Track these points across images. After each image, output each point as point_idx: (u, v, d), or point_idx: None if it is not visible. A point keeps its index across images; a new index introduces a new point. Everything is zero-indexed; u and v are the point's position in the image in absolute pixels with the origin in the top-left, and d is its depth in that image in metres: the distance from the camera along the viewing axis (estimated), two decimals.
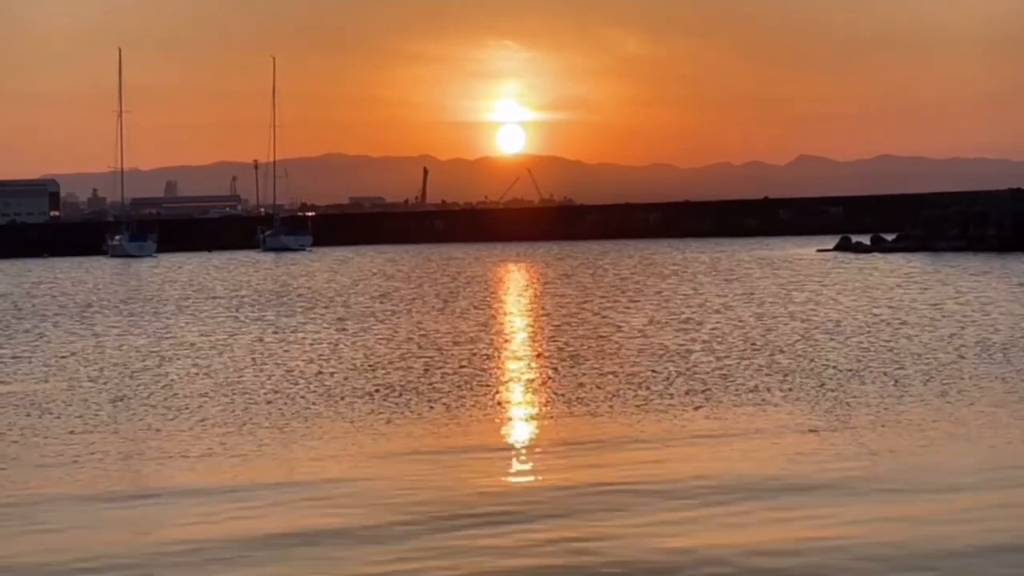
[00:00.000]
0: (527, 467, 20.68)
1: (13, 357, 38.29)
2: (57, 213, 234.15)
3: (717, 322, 42.17)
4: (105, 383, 31.02)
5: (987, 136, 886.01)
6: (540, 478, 19.60)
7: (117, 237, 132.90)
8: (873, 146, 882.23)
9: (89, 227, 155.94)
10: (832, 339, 35.85)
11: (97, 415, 26.02)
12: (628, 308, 49.52)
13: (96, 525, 17.14)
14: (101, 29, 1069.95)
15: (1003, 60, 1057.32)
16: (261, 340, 40.96)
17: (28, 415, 26.28)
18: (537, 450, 22.02)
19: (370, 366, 32.91)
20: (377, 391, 28.28)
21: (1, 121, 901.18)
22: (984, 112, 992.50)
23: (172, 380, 31.19)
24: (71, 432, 24.05)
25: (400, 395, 27.62)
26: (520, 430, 24.13)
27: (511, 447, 22.36)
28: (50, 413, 26.46)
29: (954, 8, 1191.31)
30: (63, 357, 37.61)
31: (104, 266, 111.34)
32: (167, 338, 42.72)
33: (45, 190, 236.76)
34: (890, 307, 45.73)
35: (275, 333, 43.41)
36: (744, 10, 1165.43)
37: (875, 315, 42.83)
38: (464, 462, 20.56)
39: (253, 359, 35.38)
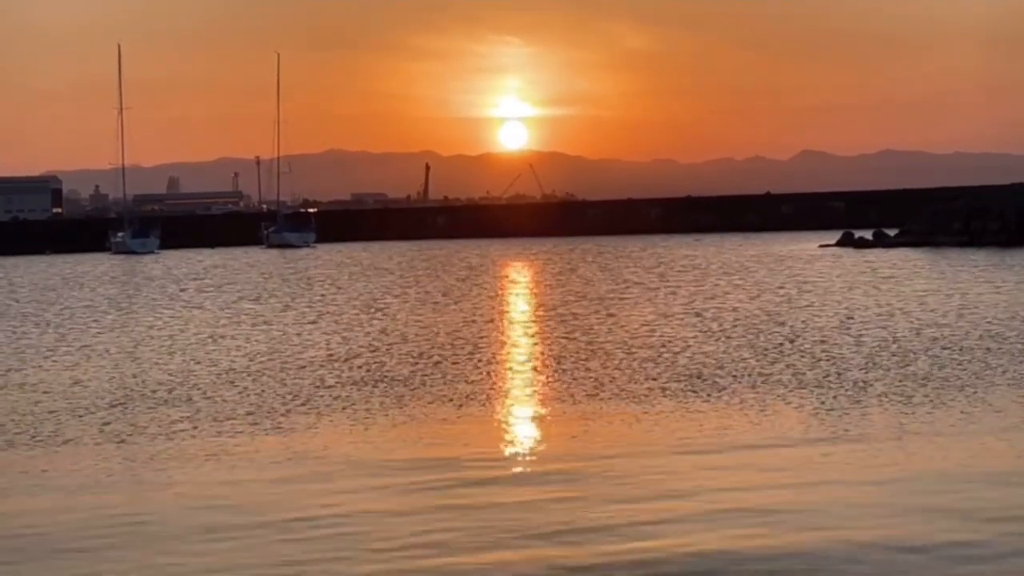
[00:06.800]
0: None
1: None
2: (59, 210, 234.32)
3: (721, 315, 42.45)
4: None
5: (990, 131, 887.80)
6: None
7: (120, 234, 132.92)
8: (876, 141, 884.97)
9: (92, 224, 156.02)
10: (840, 333, 36.14)
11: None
12: (637, 301, 49.84)
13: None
14: (103, 24, 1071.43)
15: (1007, 54, 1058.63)
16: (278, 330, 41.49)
17: None
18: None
19: (399, 352, 33.31)
20: (417, 375, 28.66)
21: (3, 118, 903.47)
22: (987, 107, 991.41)
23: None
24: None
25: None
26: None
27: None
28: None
29: (958, 1, 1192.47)
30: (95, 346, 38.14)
31: (110, 263, 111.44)
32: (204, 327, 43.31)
33: (47, 187, 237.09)
34: (892, 301, 45.95)
35: (287, 327, 43.85)
36: (746, 3, 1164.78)
37: (877, 309, 43.06)
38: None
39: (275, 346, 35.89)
